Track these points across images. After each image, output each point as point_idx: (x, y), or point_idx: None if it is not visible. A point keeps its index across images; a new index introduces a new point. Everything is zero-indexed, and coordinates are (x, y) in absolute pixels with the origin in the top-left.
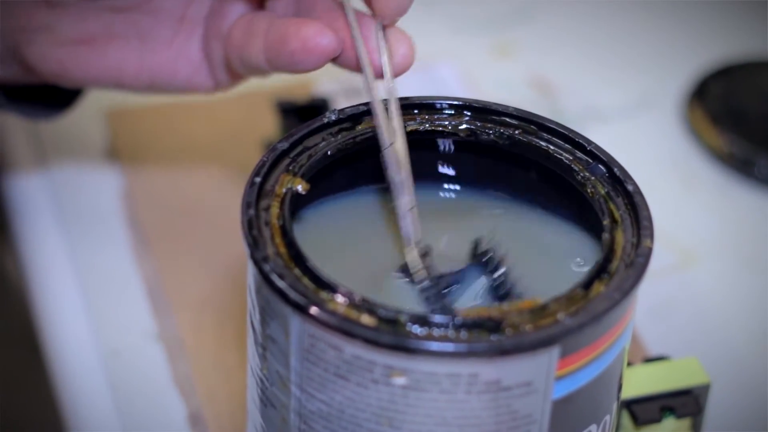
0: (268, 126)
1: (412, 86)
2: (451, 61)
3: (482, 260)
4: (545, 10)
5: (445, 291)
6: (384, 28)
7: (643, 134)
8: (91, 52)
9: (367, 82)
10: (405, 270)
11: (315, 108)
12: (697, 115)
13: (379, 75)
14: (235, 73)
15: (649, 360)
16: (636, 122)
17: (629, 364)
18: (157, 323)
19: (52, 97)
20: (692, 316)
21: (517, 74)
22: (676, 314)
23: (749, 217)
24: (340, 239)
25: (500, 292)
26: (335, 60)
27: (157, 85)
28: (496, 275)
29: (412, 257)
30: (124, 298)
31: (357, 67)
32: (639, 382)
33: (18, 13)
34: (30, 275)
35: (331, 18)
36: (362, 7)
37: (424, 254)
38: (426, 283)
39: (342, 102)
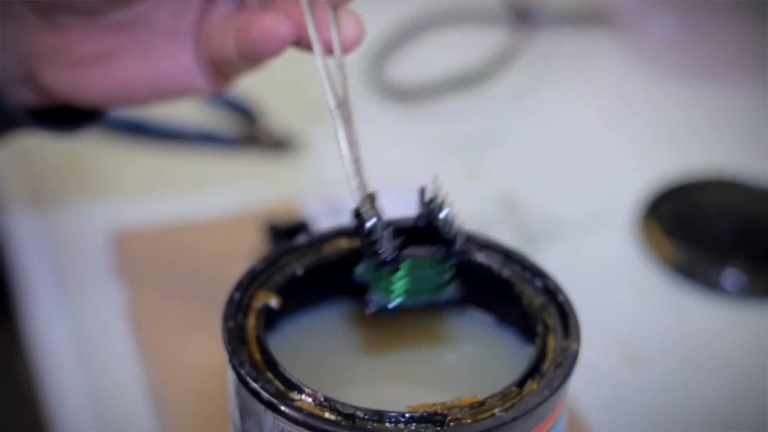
0: (261, 244)
1: (387, 205)
2: (425, 183)
3: (429, 205)
4: (514, 134)
5: (396, 238)
6: (335, 9)
7: (600, 246)
8: (98, 69)
9: (318, 57)
10: (356, 215)
11: (298, 229)
12: (651, 229)
13: (329, 51)
14: (222, 72)
15: None
16: (594, 235)
17: None
18: (158, 423)
19: (74, 116)
20: (639, 410)
21: (486, 193)
22: (624, 408)
23: (692, 319)
24: (311, 346)
25: (446, 231)
26: (297, 44)
27: (161, 93)
28: (441, 216)
29: (361, 201)
30: (127, 398)
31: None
32: None
33: (28, 39)
34: (39, 378)
35: (288, 7)
36: None
37: (372, 199)
38: (374, 221)
39: (325, 221)
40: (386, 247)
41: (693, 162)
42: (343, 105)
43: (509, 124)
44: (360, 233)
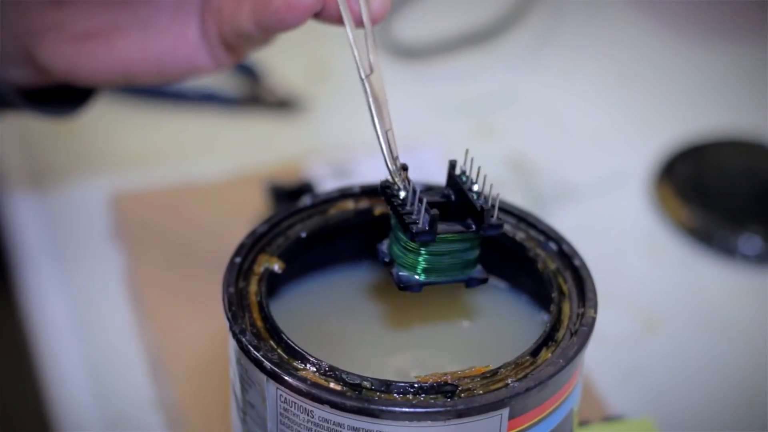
0: (263, 207)
1: None
2: (434, 143)
3: (461, 177)
4: (525, 93)
5: (428, 208)
6: None
7: (613, 209)
8: (98, 46)
9: (349, 30)
10: (386, 186)
11: (302, 191)
12: (665, 192)
13: (359, 23)
14: (231, 47)
15: (607, 419)
16: (607, 198)
17: (588, 423)
18: (156, 391)
19: (69, 97)
20: (655, 379)
21: (497, 154)
22: (639, 377)
23: (709, 285)
24: (315, 313)
25: (480, 204)
26: (317, 15)
27: (162, 72)
28: (474, 190)
29: (392, 171)
30: (125, 365)
31: (338, 20)
32: None
33: (28, 14)
34: (37, 345)
35: None
36: None
37: (403, 168)
38: (405, 193)
39: (330, 183)
40: (421, 219)
41: (709, 122)
42: (374, 75)
43: (519, 84)
44: (392, 205)
